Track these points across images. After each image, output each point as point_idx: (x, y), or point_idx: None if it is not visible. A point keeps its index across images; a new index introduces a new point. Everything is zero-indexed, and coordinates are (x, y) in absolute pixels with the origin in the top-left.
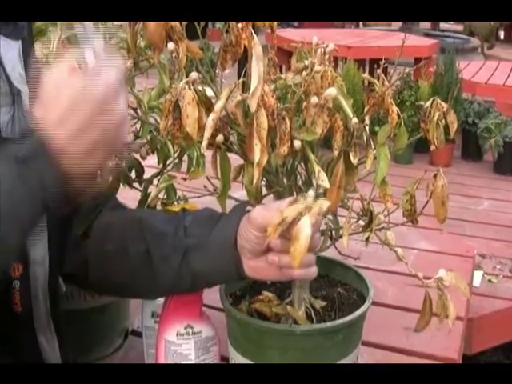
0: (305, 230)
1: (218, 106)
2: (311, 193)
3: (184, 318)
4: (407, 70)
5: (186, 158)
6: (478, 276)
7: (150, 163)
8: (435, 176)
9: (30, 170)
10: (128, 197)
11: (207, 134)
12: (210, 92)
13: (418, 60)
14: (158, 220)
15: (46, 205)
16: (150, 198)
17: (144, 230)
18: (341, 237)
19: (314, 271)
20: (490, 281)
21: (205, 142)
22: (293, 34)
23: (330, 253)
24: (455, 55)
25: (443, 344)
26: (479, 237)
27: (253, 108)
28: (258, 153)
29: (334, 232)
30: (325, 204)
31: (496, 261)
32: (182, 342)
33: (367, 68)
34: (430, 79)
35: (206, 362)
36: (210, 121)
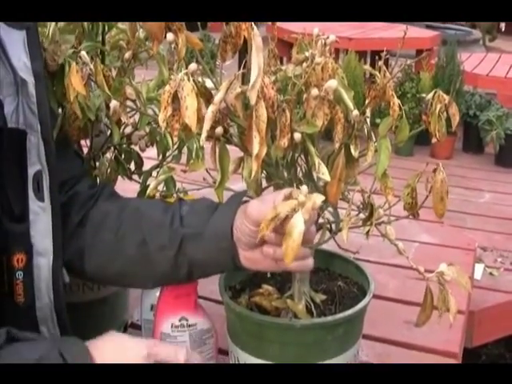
0: (298, 226)
1: (218, 97)
2: (305, 188)
3: (179, 311)
4: (409, 61)
5: (185, 149)
6: (479, 269)
7: (150, 155)
8: (434, 171)
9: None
10: (127, 188)
11: (206, 125)
12: (209, 83)
13: (419, 52)
14: (154, 209)
15: None
16: (148, 190)
17: (141, 220)
18: (341, 230)
19: (309, 263)
20: (491, 274)
21: (204, 134)
22: (294, 25)
23: (331, 246)
24: (456, 47)
25: (444, 337)
26: (480, 229)
27: (252, 100)
28: (256, 145)
29: (334, 225)
30: (319, 198)
31: (497, 254)
32: (176, 334)
33: (368, 60)
34: (432, 71)
35: (203, 354)
36: (209, 112)
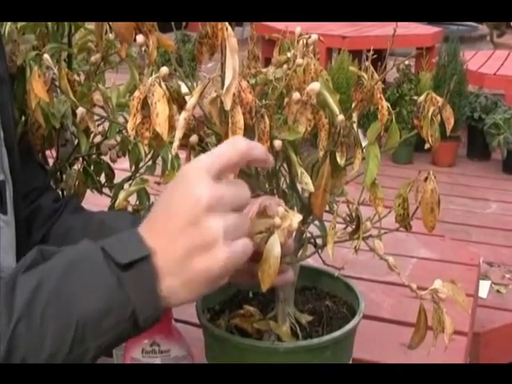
0: (273, 250)
1: (190, 103)
2: (281, 210)
3: (150, 335)
4: (398, 60)
5: (160, 160)
6: (484, 286)
7: (122, 166)
8: (425, 179)
9: (130, 277)
10: (99, 203)
11: (179, 134)
12: (185, 89)
13: (420, 50)
14: (121, 222)
15: (135, 318)
16: (117, 201)
17: (106, 234)
18: (326, 245)
19: (289, 277)
20: (498, 291)
21: (176, 143)
22: (283, 23)
23: (320, 262)
24: (459, 44)
25: (444, 361)
26: (486, 243)
27: (227, 105)
28: None
29: (319, 239)
30: (295, 220)
31: (505, 269)
32: (147, 360)
33: (364, 60)
34: (432, 71)
35: None
36: (181, 120)
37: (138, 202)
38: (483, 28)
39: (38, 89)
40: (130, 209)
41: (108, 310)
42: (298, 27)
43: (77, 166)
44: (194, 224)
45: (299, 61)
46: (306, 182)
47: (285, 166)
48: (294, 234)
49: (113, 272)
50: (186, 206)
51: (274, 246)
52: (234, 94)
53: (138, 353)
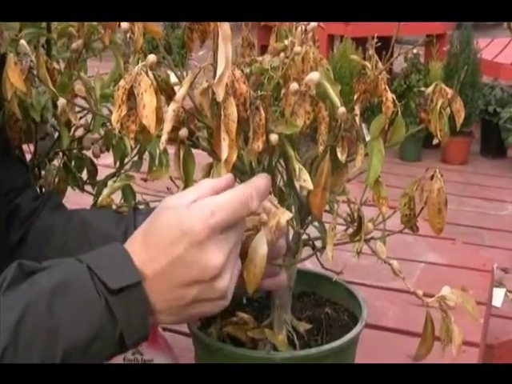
0: (259, 251)
1: (180, 94)
2: (268, 205)
3: None
4: (406, 48)
5: (147, 155)
6: (499, 294)
7: (106, 162)
8: (431, 178)
9: (119, 302)
10: (81, 202)
11: (167, 127)
12: (174, 78)
13: (430, 38)
14: (105, 221)
15: (122, 341)
16: (100, 198)
17: (89, 233)
18: (325, 247)
19: (281, 279)
20: None
21: (164, 137)
22: None
23: (320, 266)
24: (472, 31)
25: None
26: (501, 247)
27: (220, 96)
28: (225, 148)
29: (318, 241)
30: (284, 217)
31: None
32: None
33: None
34: (443, 60)
35: None
36: (170, 111)
37: (122, 201)
38: None
39: (14, 78)
40: (113, 207)
41: (96, 337)
42: None
43: (57, 162)
44: (203, 283)
45: (297, 49)
46: (304, 180)
47: (282, 162)
48: (291, 236)
49: (101, 296)
50: (196, 269)
51: (260, 244)
52: (226, 85)
53: (119, 361)
